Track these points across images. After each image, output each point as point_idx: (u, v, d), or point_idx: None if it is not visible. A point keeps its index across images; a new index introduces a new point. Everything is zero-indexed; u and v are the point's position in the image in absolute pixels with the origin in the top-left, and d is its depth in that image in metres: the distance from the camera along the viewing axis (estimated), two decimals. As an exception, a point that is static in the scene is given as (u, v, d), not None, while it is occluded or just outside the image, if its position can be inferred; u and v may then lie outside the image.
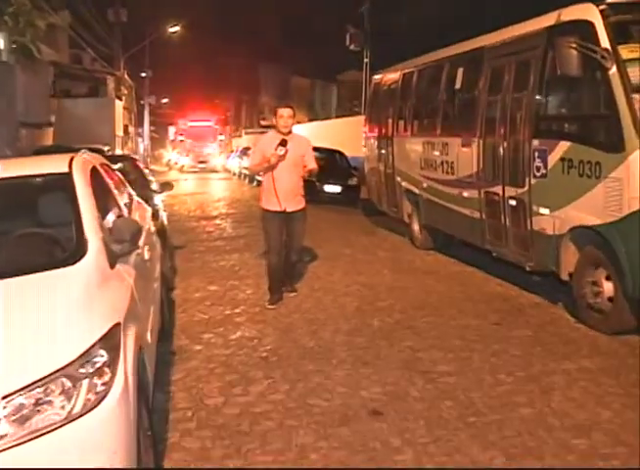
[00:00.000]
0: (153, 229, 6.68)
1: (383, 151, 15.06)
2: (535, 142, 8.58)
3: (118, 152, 34.38)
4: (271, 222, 8.65)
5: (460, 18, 30.28)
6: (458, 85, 11.20)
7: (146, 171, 12.29)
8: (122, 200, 5.79)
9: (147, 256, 5.36)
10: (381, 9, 40.32)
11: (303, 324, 7.74)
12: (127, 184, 6.89)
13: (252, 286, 9.68)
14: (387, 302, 8.77)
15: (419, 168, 12.67)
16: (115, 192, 5.53)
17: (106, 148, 27.26)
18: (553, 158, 8.19)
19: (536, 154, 8.54)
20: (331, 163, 24.34)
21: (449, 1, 36.95)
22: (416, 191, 12.98)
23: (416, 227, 13.36)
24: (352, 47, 40.81)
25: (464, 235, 11.23)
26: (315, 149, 25.65)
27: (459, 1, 35.52)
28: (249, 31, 68.82)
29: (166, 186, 10.73)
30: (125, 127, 39.71)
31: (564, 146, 7.99)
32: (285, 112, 8.59)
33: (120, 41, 39.21)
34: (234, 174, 40.85)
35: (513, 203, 9.24)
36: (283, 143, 8.35)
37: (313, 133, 45.05)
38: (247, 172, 30.55)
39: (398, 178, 13.98)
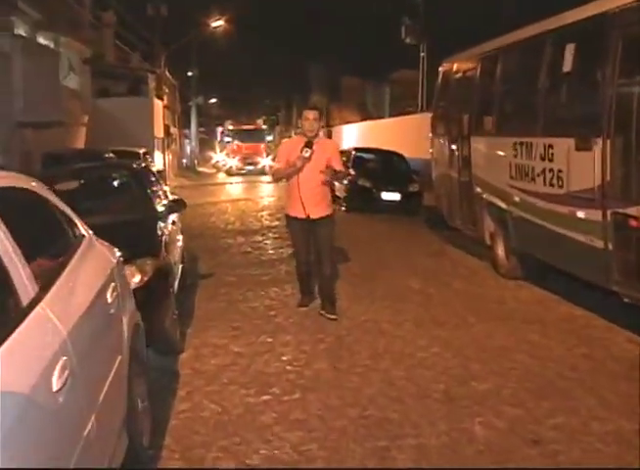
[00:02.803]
0: (111, 299, 3.90)
1: (456, 154, 12.23)
2: None
3: (158, 157, 32.07)
4: (296, 229, 8.26)
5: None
6: (568, 67, 8.30)
7: (163, 186, 9.69)
8: (30, 261, 3.08)
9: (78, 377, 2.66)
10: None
11: (366, 433, 4.96)
12: (72, 217, 4.18)
13: (291, 347, 6.96)
14: (486, 381, 5.96)
15: (508, 177, 9.84)
16: (11, 256, 2.81)
17: (142, 150, 25.12)
18: None
19: None
20: (388, 166, 21.68)
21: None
22: (503, 206, 10.15)
23: (501, 251, 10.55)
24: (408, 40, 37.93)
25: (576, 269, 8.38)
26: (369, 150, 23.41)
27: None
28: (298, 29, 66.56)
29: (176, 206, 8.06)
30: (167, 128, 37.31)
31: None
32: (310, 114, 8.01)
33: (161, 37, 36.86)
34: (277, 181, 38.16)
35: (665, 232, 6.40)
36: (308, 145, 7.82)
37: (366, 133, 42.41)
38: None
39: (478, 189, 11.15)
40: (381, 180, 20.02)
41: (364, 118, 55.35)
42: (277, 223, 16.97)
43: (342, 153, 17.24)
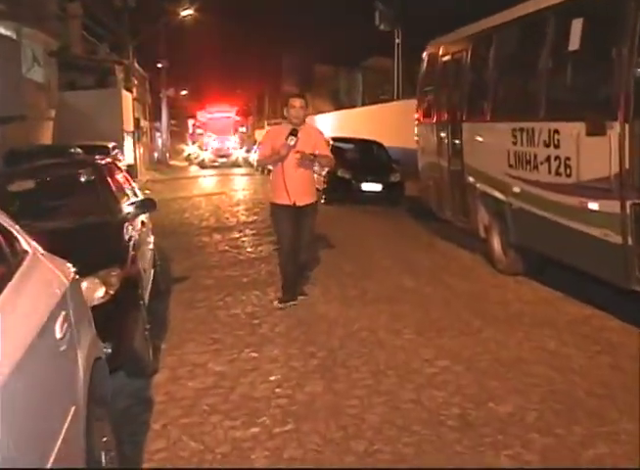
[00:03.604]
0: (60, 333, 3.02)
1: (446, 141, 11.47)
2: None
3: (128, 151, 31.09)
4: (281, 217, 8.14)
5: None
6: (575, 45, 7.54)
7: (132, 183, 8.81)
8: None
9: None
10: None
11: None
12: (12, 230, 3.32)
13: (280, 363, 6.15)
14: (507, 401, 5.18)
15: (506, 166, 9.09)
16: None
17: (111, 144, 24.18)
18: None
19: None
20: (368, 156, 20.90)
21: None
22: (500, 197, 9.41)
23: (497, 245, 9.82)
24: (382, 27, 37.09)
25: (588, 266, 7.63)
26: (347, 140, 22.57)
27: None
28: (269, 16, 65.45)
29: (145, 206, 7.18)
30: (137, 121, 36.24)
31: None
32: (297, 101, 8.04)
33: (129, 28, 35.72)
34: (256, 169, 37.11)
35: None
36: (293, 132, 7.79)
37: (342, 123, 41.54)
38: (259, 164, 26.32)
39: (471, 178, 10.41)
40: (361, 171, 19.25)
41: (337, 107, 54.47)
42: (254, 218, 16.19)
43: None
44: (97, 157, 9.29)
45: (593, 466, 4.22)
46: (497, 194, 9.52)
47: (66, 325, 3.16)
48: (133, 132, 34.64)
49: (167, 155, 56.30)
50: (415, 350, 6.40)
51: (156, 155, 53.43)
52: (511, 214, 9.19)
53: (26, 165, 8.94)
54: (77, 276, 3.87)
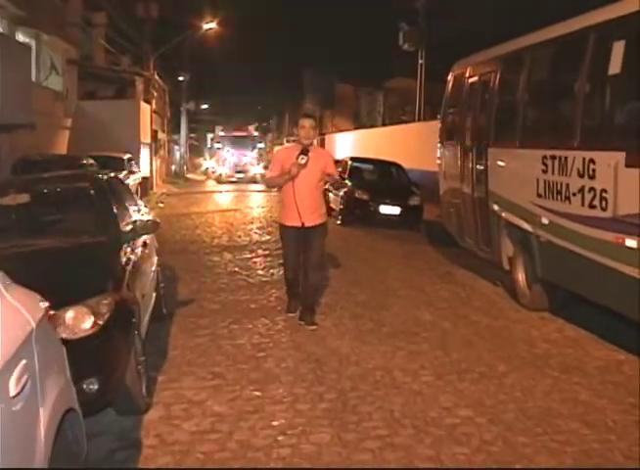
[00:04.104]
0: (15, 389, 2.51)
1: (469, 166, 10.94)
2: None
3: (144, 163, 30.76)
4: (289, 237, 8.20)
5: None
6: (616, 68, 7.02)
7: (137, 200, 8.33)
8: None
9: None
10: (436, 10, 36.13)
11: None
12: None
13: (284, 406, 5.58)
14: (535, 463, 4.61)
15: (534, 195, 8.55)
16: None
17: (126, 156, 23.84)
18: None
19: None
20: (387, 178, 20.41)
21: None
22: (527, 228, 8.86)
23: (522, 278, 9.29)
24: (406, 46, 36.66)
25: (621, 306, 7.06)
26: (366, 160, 22.08)
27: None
28: (293, 34, 65.49)
29: (146, 227, 6.61)
30: (154, 133, 35.87)
31: None
32: (307, 122, 8.02)
33: (150, 39, 35.41)
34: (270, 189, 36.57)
35: None
36: (304, 151, 7.80)
37: (361, 143, 41.10)
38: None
39: (495, 206, 9.87)
40: (379, 192, 18.69)
41: (357, 127, 54.14)
42: (267, 238, 15.67)
43: (338, 163, 16.01)
44: (96, 170, 8.78)
45: (594, 466, 4.20)
46: (523, 224, 8.97)
47: (25, 377, 2.64)
48: (150, 144, 34.26)
49: (185, 168, 55.99)
50: (434, 395, 5.84)
51: (173, 168, 53.10)
52: (538, 247, 8.65)
53: (16, 178, 8.49)
54: (51, 312, 3.36)
